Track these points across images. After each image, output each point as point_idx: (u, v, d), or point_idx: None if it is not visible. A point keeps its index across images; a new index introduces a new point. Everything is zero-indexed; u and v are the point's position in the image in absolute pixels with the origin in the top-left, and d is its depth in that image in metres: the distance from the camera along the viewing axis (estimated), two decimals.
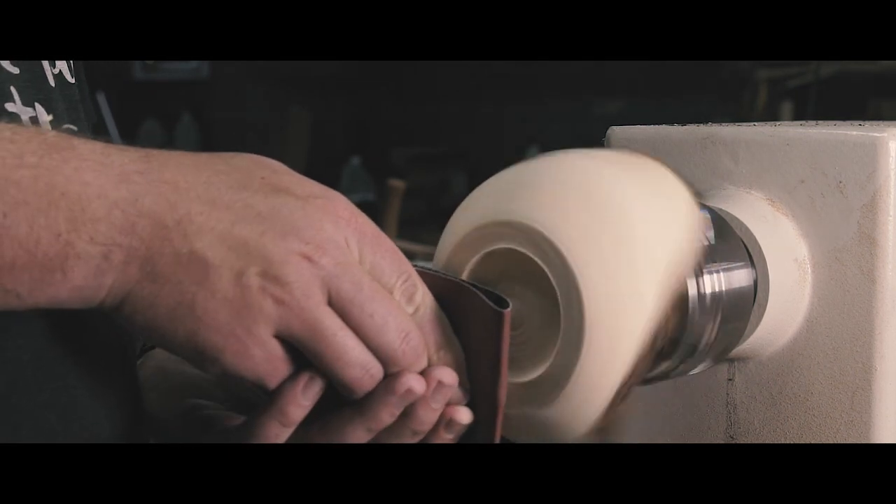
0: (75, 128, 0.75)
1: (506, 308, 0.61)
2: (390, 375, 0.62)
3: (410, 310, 0.62)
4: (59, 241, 0.58)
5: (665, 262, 0.64)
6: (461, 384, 0.64)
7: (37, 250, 0.58)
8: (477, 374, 0.64)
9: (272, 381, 0.62)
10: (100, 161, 0.59)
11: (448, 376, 0.63)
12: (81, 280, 0.59)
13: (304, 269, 0.59)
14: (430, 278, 0.63)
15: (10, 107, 0.71)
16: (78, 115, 0.79)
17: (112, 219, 0.58)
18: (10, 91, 0.72)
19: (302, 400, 0.63)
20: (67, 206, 0.58)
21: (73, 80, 0.79)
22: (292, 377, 0.62)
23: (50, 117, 0.76)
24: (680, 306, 0.67)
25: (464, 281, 0.63)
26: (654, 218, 0.65)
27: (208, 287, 0.59)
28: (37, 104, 0.74)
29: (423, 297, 0.63)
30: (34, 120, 0.73)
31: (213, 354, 0.60)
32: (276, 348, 0.60)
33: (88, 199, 0.58)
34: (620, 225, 0.64)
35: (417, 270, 0.63)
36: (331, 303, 0.60)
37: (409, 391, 0.62)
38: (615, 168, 0.67)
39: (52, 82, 0.77)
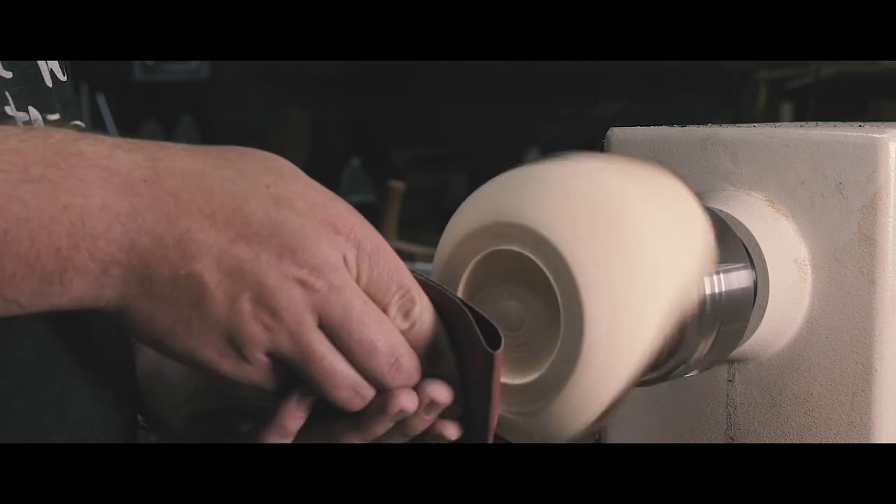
0: (82, 124, 0.75)
1: (498, 346, 0.61)
2: (383, 393, 0.63)
3: (406, 325, 0.62)
4: (58, 256, 0.58)
5: (668, 268, 0.64)
6: (455, 398, 0.64)
7: (36, 264, 0.58)
8: (471, 389, 0.64)
9: (269, 387, 0.62)
10: (105, 167, 0.59)
11: (441, 394, 0.63)
12: (81, 292, 0.59)
13: (296, 295, 0.60)
14: (431, 290, 0.63)
15: (8, 110, 0.72)
16: (71, 112, 0.79)
17: (112, 234, 0.58)
18: (5, 95, 0.72)
19: (297, 413, 0.64)
20: (69, 219, 0.58)
21: (64, 78, 0.79)
22: (288, 390, 0.63)
23: (56, 116, 0.76)
24: (681, 310, 0.66)
25: (461, 301, 0.63)
26: (661, 227, 0.65)
27: (203, 310, 0.60)
28: (30, 107, 0.74)
29: (421, 312, 0.63)
30: (27, 124, 0.73)
31: (210, 367, 0.61)
32: (269, 364, 0.61)
33: (90, 212, 0.58)
34: (624, 230, 0.64)
35: (419, 280, 0.63)
36: (321, 325, 0.60)
37: (402, 411, 0.63)
38: (621, 174, 0.67)
39: (48, 82, 0.77)
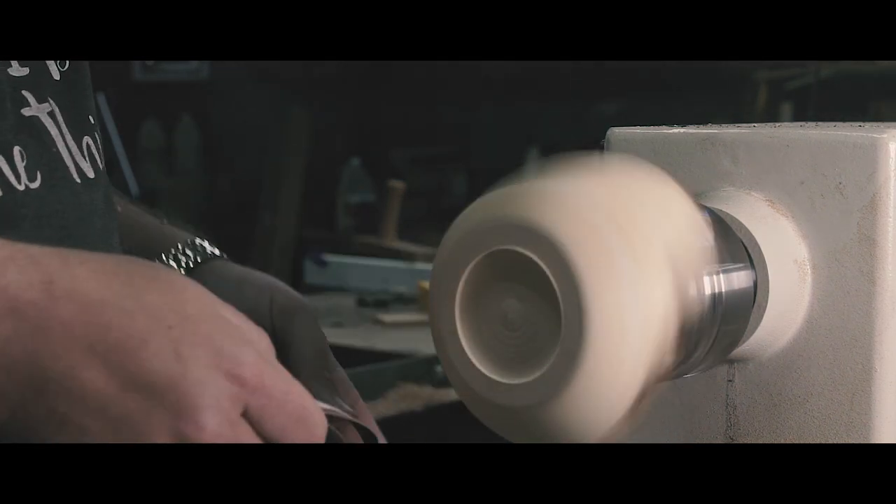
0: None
1: None
2: None
3: None
4: None
5: (669, 268, 0.64)
6: None
7: None
8: None
9: None
10: None
11: None
12: None
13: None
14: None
15: (26, 111, 0.72)
16: (88, 102, 0.81)
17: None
18: (23, 96, 0.73)
19: None
20: None
21: (63, 68, 0.81)
22: None
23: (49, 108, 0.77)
24: (683, 308, 0.67)
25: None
26: (661, 227, 0.65)
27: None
28: (49, 98, 0.76)
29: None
30: (52, 114, 0.75)
31: None
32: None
33: None
34: (624, 229, 0.64)
35: (328, 415, 0.64)
36: None
37: None
38: (621, 176, 0.68)
39: (56, 76, 0.78)
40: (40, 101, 0.74)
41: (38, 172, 0.72)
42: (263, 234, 4.36)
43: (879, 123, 0.84)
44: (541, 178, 0.67)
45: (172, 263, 0.86)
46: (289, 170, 4.35)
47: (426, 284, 0.65)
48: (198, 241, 0.89)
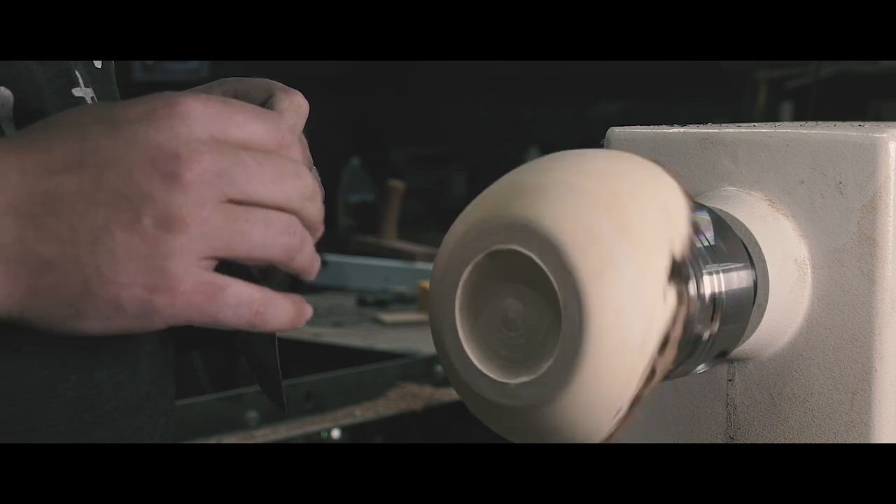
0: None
1: None
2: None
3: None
4: None
5: (669, 264, 0.64)
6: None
7: None
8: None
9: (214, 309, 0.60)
10: None
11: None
12: None
13: (183, 197, 0.58)
14: None
15: (76, 91, 0.74)
16: (114, 95, 0.82)
17: None
18: (76, 75, 0.75)
19: None
20: None
21: (99, 66, 0.82)
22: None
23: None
24: (682, 308, 0.67)
25: None
26: (663, 227, 0.65)
27: (106, 247, 0.56)
28: (91, 85, 0.78)
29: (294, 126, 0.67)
30: (93, 99, 0.78)
31: (146, 311, 0.58)
32: (204, 273, 0.59)
33: None
34: (625, 228, 0.64)
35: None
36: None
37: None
38: (620, 172, 0.67)
39: (98, 64, 0.81)
40: (86, 84, 0.77)
41: None
42: None
43: (879, 123, 0.84)
44: (539, 175, 0.67)
45: None
46: None
47: (426, 284, 0.65)
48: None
